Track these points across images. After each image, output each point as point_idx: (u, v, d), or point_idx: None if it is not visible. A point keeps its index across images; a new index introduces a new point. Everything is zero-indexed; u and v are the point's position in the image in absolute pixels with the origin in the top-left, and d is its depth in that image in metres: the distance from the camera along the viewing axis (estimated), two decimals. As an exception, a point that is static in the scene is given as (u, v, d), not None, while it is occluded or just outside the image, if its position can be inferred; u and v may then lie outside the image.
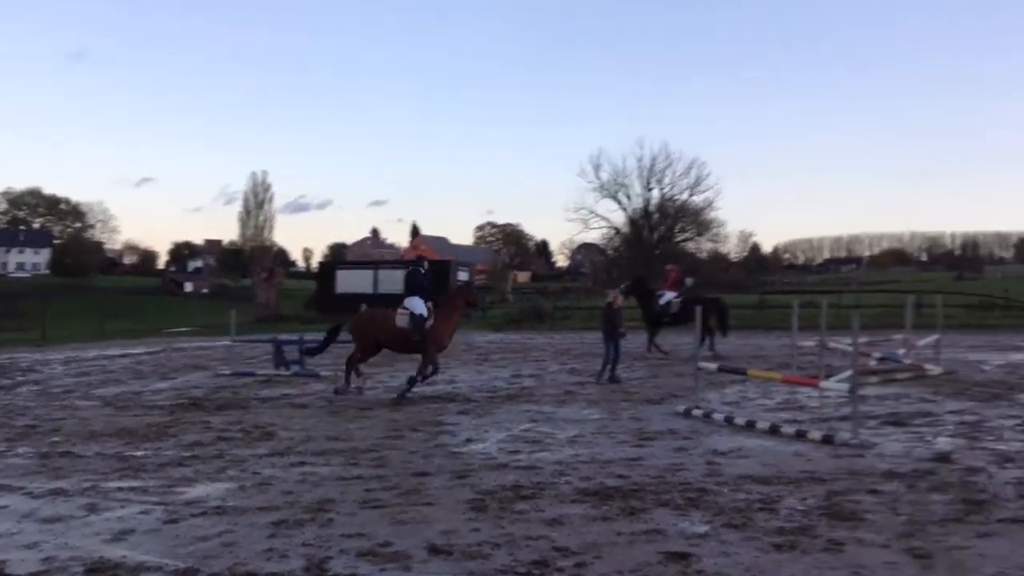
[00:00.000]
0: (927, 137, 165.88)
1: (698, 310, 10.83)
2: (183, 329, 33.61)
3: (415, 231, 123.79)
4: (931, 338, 14.67)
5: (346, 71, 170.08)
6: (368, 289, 37.45)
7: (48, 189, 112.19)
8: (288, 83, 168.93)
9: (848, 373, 8.68)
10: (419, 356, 12.15)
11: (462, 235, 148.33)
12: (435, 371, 12.28)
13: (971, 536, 4.91)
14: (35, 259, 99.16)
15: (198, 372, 16.30)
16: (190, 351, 22.19)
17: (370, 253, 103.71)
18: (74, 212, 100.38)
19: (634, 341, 17.58)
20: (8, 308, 45.80)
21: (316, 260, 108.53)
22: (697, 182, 67.15)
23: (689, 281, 22.56)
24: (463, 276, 41.06)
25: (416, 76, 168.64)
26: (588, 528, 5.20)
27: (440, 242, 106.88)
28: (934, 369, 13.48)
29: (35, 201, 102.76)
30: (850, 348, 8.50)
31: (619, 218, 69.21)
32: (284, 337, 17.56)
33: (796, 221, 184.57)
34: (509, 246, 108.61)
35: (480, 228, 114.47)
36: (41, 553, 4.94)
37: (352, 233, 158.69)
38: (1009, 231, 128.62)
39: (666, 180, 67.77)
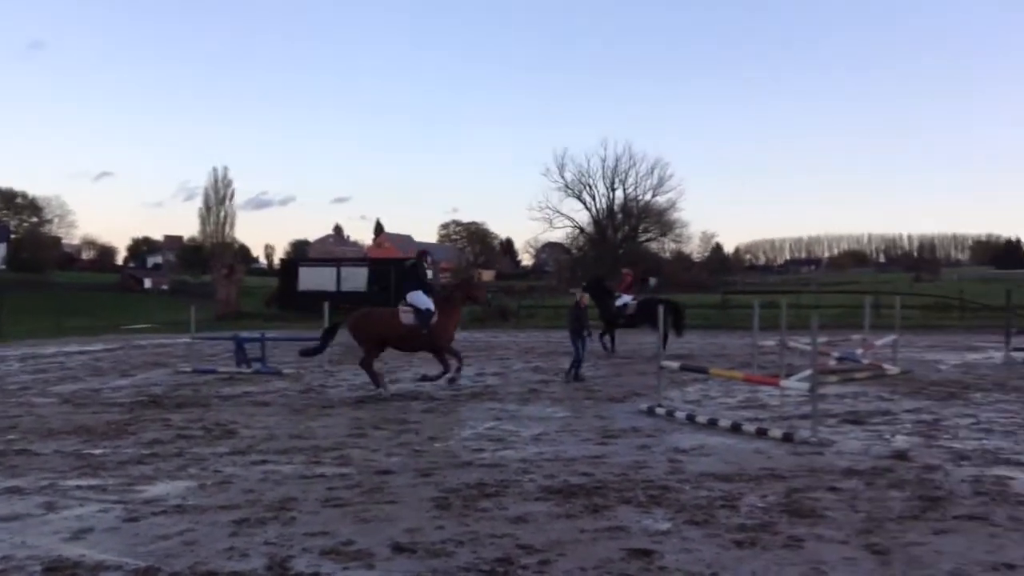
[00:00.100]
0: (885, 140, 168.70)
1: (660, 309, 10.93)
2: (142, 326, 33.15)
3: (379, 228, 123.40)
4: (889, 338, 14.93)
5: (309, 67, 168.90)
6: (331, 287, 37.21)
7: (4, 182, 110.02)
8: (250, 78, 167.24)
9: (808, 372, 8.81)
10: (424, 354, 11.99)
11: (426, 233, 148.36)
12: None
13: (928, 533, 5.01)
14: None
15: (158, 369, 16.09)
16: (150, 348, 21.90)
17: (333, 250, 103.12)
18: (31, 206, 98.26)
19: (597, 341, 17.64)
20: (-39, 304, 44.77)
21: (278, 257, 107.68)
22: (660, 183, 67.84)
23: (652, 281, 22.77)
24: (428, 274, 40.95)
25: (380, 72, 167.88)
26: (552, 525, 5.22)
27: (404, 240, 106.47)
28: (892, 369, 13.72)
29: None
30: (810, 348, 8.62)
31: (583, 217, 69.65)
32: (245, 335, 17.40)
33: (757, 222, 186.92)
34: (474, 244, 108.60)
35: (445, 226, 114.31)
36: (-4, 553, 4.85)
37: (315, 230, 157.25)
38: (965, 233, 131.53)
39: (630, 180, 68.40)
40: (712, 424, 8.91)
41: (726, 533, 5.02)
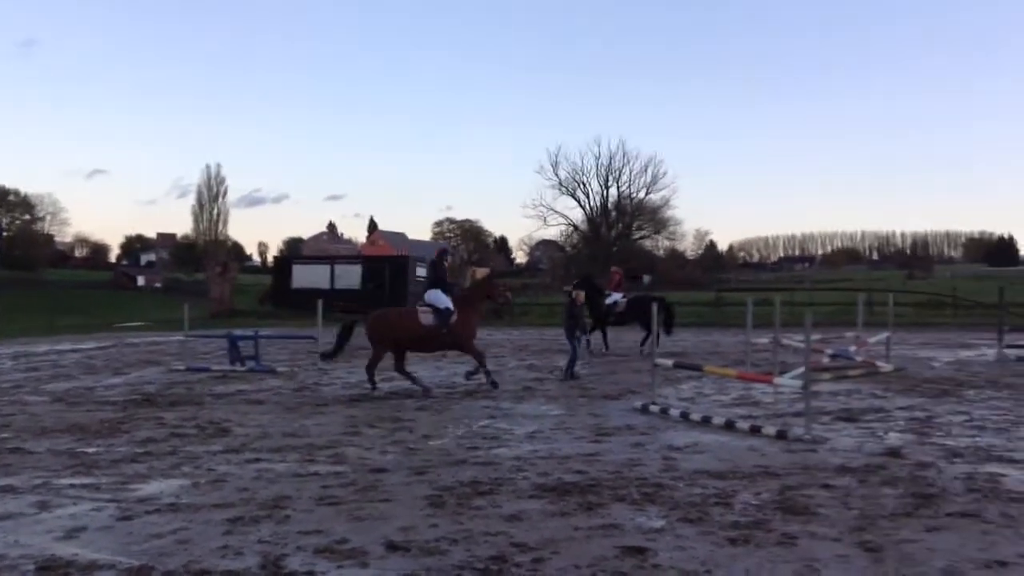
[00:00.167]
0: (879, 138, 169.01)
1: (654, 307, 10.93)
2: (136, 324, 33.10)
3: (372, 226, 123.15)
4: (882, 335, 14.99)
5: (303, 64, 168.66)
6: (325, 284, 37.15)
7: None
8: (243, 75, 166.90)
9: (801, 370, 8.84)
10: (444, 353, 11.97)
11: (420, 230, 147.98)
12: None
13: (920, 530, 5.02)
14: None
15: (151, 367, 16.05)
16: (143, 346, 21.85)
17: (327, 248, 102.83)
18: (23, 204, 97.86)
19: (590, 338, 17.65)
20: (-46, 302, 44.60)
21: (271, 255, 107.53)
22: (654, 180, 67.82)
23: (647, 279, 22.82)
24: (422, 272, 40.89)
25: (374, 70, 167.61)
26: (546, 523, 5.22)
27: (398, 237, 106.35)
28: (885, 366, 13.77)
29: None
30: (803, 345, 8.64)
31: (577, 215, 69.64)
32: (239, 332, 17.38)
33: (751, 220, 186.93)
34: (468, 242, 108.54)
35: (438, 224, 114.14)
36: (-11, 552, 4.83)
37: (308, 228, 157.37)
38: (958, 231, 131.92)
39: (623, 178, 68.36)
40: (706, 422, 8.92)
41: (720, 531, 5.02)
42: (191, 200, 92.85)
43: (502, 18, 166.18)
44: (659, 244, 74.04)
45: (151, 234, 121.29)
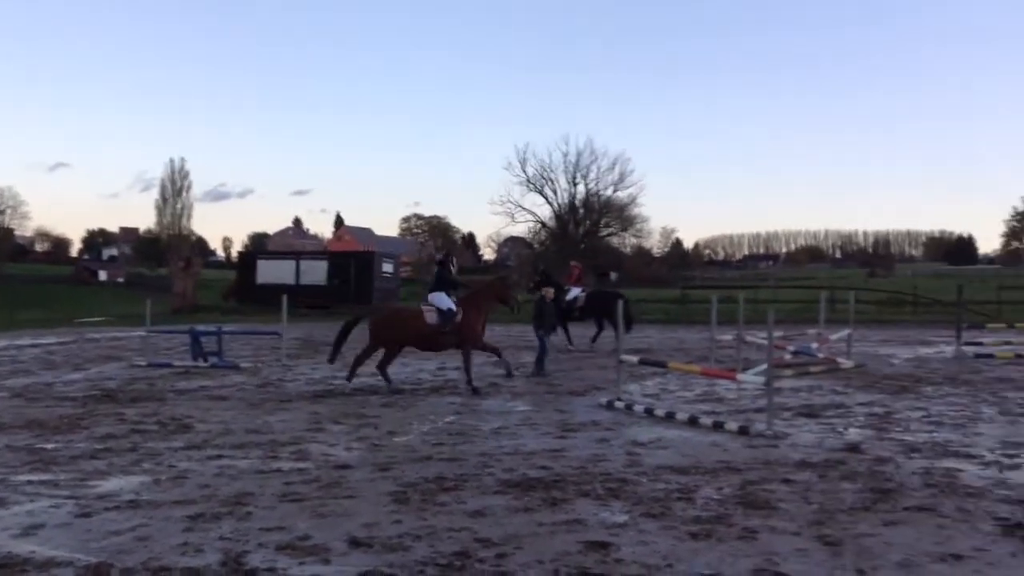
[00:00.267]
0: (843, 138, 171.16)
1: (620, 305, 10.96)
2: (97, 319, 32.60)
3: (339, 222, 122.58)
4: (843, 333, 15.19)
5: (269, 56, 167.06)
6: (290, 280, 36.84)
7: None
8: (208, 67, 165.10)
9: (764, 366, 8.92)
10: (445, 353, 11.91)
11: (387, 226, 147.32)
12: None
13: (878, 524, 5.10)
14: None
15: (112, 363, 15.83)
16: (104, 341, 21.54)
17: (292, 243, 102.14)
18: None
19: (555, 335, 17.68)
20: (-91, 296, 43.64)
21: (236, 250, 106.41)
22: (621, 178, 67.89)
23: (614, 276, 22.91)
24: (388, 268, 40.72)
25: (340, 65, 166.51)
26: (510, 519, 5.23)
27: (364, 233, 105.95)
28: (846, 362, 13.94)
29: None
30: (766, 342, 8.73)
31: (545, 212, 69.53)
32: (202, 328, 17.19)
33: (717, 218, 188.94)
34: (435, 238, 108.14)
35: (406, 220, 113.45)
36: (-58, 550, 4.74)
37: (274, 223, 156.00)
38: (919, 230, 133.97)
39: (591, 175, 68.34)
40: (670, 417, 8.99)
41: (682, 525, 5.07)
42: (154, 194, 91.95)
43: (473, 15, 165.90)
44: (626, 241, 74.17)
45: (113, 228, 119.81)
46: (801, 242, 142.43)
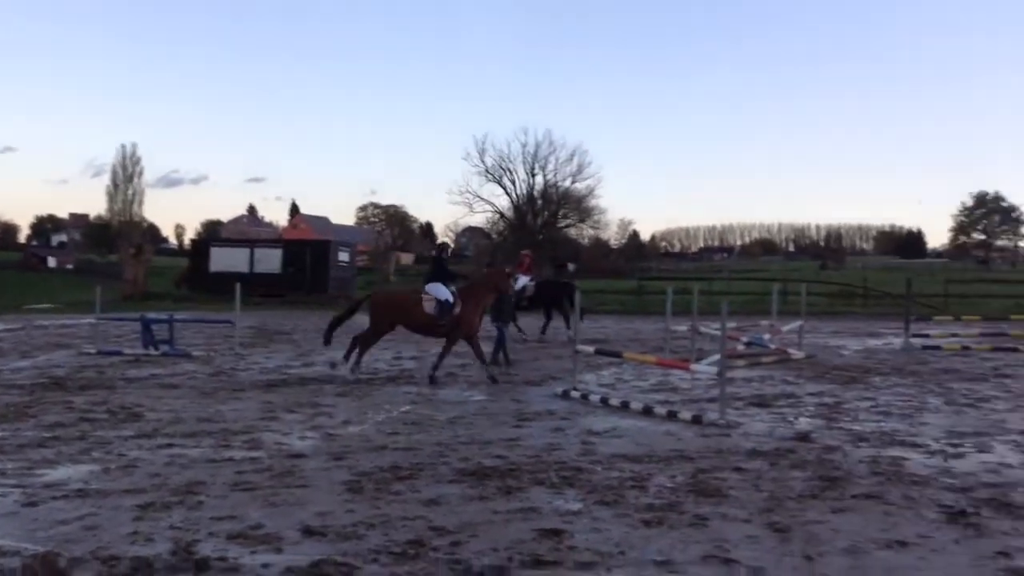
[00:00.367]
0: (797, 133, 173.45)
1: (577, 296, 11.01)
2: (45, 306, 31.88)
3: (294, 210, 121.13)
4: (795, 324, 15.42)
5: (223, 41, 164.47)
6: (244, 268, 36.35)
7: None
8: (162, 51, 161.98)
9: (717, 357, 9.03)
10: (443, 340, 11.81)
11: (344, 215, 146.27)
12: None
13: (826, 511, 5.20)
14: None
15: (61, 351, 15.50)
16: (52, 329, 21.08)
17: (246, 231, 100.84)
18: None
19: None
20: None
21: (189, 237, 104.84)
22: (579, 170, 68.14)
23: (571, 267, 22.98)
24: (344, 257, 40.37)
25: (297, 51, 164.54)
26: (464, 508, 5.24)
27: (321, 222, 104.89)
28: (797, 353, 14.17)
29: None
30: (719, 333, 8.83)
31: (504, 202, 69.54)
32: (153, 316, 16.92)
33: (674, 211, 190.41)
34: (392, 227, 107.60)
35: (363, 208, 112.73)
36: None
37: (228, 211, 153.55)
38: (870, 224, 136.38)
39: (550, 166, 68.49)
40: (625, 407, 9.06)
41: (635, 513, 5.11)
42: (105, 180, 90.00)
43: (433, 4, 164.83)
44: (584, 233, 74.57)
45: (63, 214, 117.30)
46: (755, 235, 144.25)
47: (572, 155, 68.04)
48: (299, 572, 4.11)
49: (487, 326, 13.00)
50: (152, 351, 14.67)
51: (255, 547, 4.48)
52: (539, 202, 69.83)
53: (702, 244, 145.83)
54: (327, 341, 12.00)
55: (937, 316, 20.93)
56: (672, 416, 8.47)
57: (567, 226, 72.52)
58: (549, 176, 68.85)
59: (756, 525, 4.89)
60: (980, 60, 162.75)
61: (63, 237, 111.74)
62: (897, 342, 16.81)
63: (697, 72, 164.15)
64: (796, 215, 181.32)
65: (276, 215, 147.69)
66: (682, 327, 15.98)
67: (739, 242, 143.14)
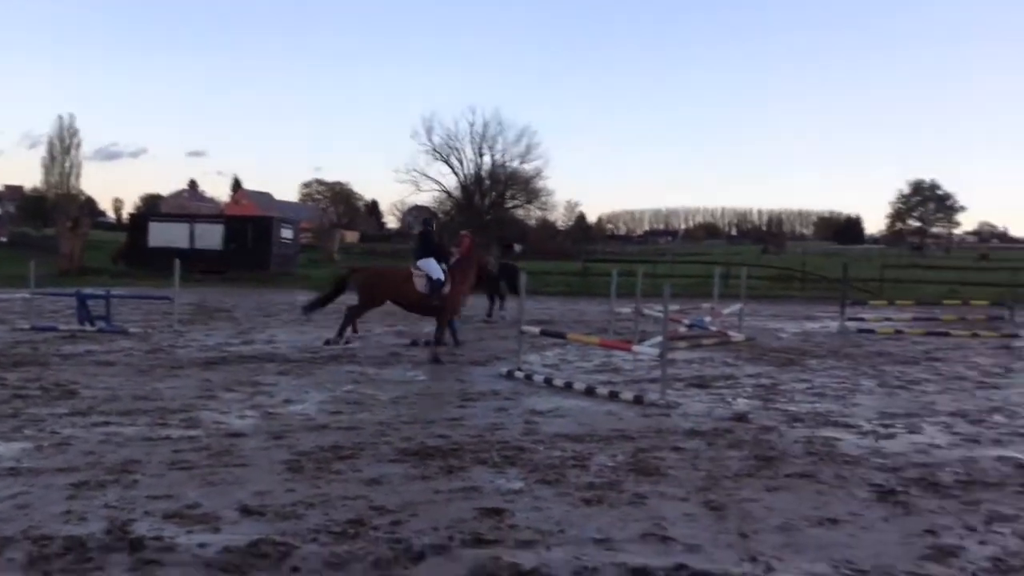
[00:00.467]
0: (741, 118, 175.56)
1: (522, 277, 11.02)
2: (-25, 280, 30.90)
3: (236, 185, 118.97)
4: (735, 307, 15.70)
5: (164, 11, 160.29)
6: (184, 244, 35.69)
7: None
8: (100, 21, 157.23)
9: (659, 338, 9.14)
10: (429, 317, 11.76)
11: (288, 191, 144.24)
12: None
13: (761, 490, 5.31)
14: None
15: (-9, 327, 15.07)
16: (-18, 304, 20.46)
17: (187, 206, 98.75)
18: None
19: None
20: None
21: (127, 211, 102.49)
22: (527, 151, 68.33)
23: (518, 248, 22.98)
24: (287, 233, 39.84)
25: (241, 22, 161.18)
26: (406, 487, 5.24)
27: (264, 198, 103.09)
28: (737, 336, 14.42)
29: None
30: (662, 315, 8.94)
31: (451, 182, 69.42)
32: (89, 291, 16.52)
33: (620, 194, 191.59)
34: (337, 204, 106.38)
35: (307, 185, 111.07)
36: None
37: (168, 185, 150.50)
38: (810, 210, 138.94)
39: (497, 147, 68.53)
40: (568, 387, 9.13)
41: (575, 491, 5.17)
42: (41, 152, 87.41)
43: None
44: (531, 214, 74.82)
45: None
46: (699, 219, 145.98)
47: (520, 136, 68.27)
48: (237, 552, 4.07)
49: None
50: (88, 327, 14.35)
51: (192, 526, 4.42)
52: (487, 182, 69.87)
53: (647, 227, 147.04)
54: (307, 313, 12.62)
55: (872, 300, 21.48)
56: (614, 396, 8.56)
57: (514, 207, 72.71)
58: (497, 156, 68.98)
59: (693, 503, 4.98)
60: (920, 48, 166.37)
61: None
62: (833, 325, 17.21)
63: (645, 56, 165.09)
64: (739, 200, 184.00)
65: (218, 190, 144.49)
66: (626, 309, 16.13)
67: (683, 226, 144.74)
